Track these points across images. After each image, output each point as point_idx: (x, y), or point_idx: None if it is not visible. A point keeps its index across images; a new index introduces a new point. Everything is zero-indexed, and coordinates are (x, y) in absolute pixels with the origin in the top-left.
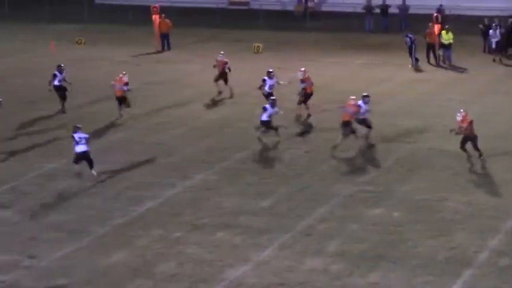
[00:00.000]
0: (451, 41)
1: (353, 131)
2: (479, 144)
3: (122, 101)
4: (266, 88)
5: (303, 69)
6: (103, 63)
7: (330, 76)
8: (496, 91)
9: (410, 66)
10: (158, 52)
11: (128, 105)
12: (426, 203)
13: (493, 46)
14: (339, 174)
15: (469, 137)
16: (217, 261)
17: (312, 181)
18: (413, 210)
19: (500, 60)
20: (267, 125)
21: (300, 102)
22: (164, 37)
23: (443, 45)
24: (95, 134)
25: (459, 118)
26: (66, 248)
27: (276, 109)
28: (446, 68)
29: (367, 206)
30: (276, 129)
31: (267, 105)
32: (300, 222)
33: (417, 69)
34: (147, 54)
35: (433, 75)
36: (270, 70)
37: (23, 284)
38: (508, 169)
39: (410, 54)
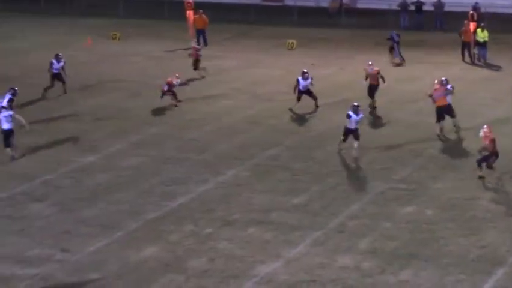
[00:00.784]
0: (486, 39)
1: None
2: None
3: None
4: (300, 88)
5: (370, 62)
6: (137, 59)
7: (363, 73)
8: None
9: (393, 63)
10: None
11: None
12: (459, 201)
13: None
14: (371, 171)
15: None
16: (248, 257)
17: (345, 179)
18: (445, 208)
19: None
20: (355, 133)
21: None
22: (200, 33)
23: (478, 43)
24: (129, 129)
25: (481, 135)
26: (98, 242)
27: (361, 115)
28: (481, 67)
29: (399, 204)
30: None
31: (350, 112)
32: (332, 220)
33: (398, 65)
34: (182, 49)
35: (468, 74)
36: (305, 71)
37: (56, 277)
38: None
39: (391, 51)
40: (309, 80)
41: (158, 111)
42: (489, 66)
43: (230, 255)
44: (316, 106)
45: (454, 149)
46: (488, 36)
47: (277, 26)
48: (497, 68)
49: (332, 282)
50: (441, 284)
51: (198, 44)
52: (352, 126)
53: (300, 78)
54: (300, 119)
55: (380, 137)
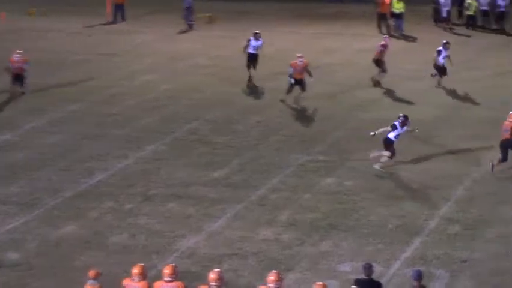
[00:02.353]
0: (402, 10)
1: None
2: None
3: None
4: (250, 50)
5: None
6: (54, 35)
7: (283, 46)
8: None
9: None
10: (111, 23)
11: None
12: (378, 172)
13: (444, 15)
14: (292, 144)
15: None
16: (169, 232)
17: (265, 151)
18: (365, 179)
19: (450, 29)
20: (390, 144)
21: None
22: (119, 8)
23: (394, 15)
24: (47, 106)
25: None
26: (16, 221)
27: (406, 128)
28: (398, 38)
29: (319, 176)
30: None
31: (397, 123)
32: (253, 193)
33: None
34: (100, 25)
35: None
36: (257, 32)
37: None
38: (459, 138)
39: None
40: (261, 42)
41: (77, 87)
42: (406, 37)
43: (151, 230)
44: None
45: (373, 120)
46: (404, 7)
47: (196, 0)
48: (413, 39)
49: (253, 255)
50: (361, 254)
51: (115, 19)
52: (392, 136)
53: (251, 39)
54: (221, 93)
55: (299, 109)
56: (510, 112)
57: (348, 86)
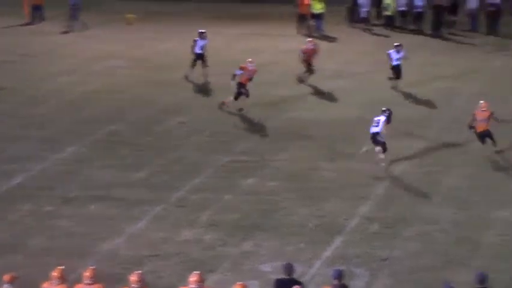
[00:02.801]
0: (322, 10)
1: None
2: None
3: None
4: (197, 49)
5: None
6: None
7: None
8: (365, 60)
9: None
10: (28, 24)
11: None
12: (300, 172)
13: (363, 15)
14: (214, 144)
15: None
16: (90, 234)
17: (187, 152)
18: (286, 179)
19: (369, 29)
20: (379, 138)
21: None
22: (37, 8)
23: (314, 15)
24: None
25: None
26: None
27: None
28: (317, 38)
29: (241, 176)
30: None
31: (383, 116)
32: (174, 194)
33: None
34: (18, 25)
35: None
36: (203, 30)
37: None
38: None
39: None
40: (207, 41)
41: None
42: (326, 38)
43: (71, 232)
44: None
45: (296, 120)
46: (324, 8)
47: (116, 1)
48: (333, 40)
49: (175, 256)
50: (282, 253)
51: (33, 19)
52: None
53: (198, 39)
54: (142, 94)
55: (219, 110)
56: (481, 102)
57: (272, 86)
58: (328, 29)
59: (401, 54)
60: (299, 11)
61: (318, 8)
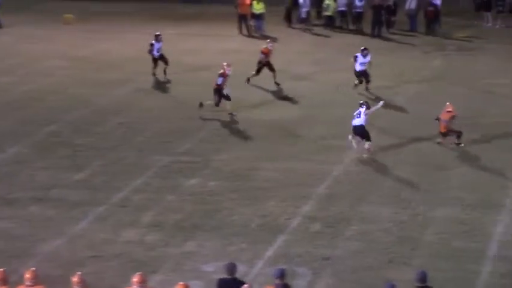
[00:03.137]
0: (262, 11)
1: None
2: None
3: None
4: (154, 52)
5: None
6: None
7: (144, 47)
8: (304, 60)
9: None
10: None
11: None
12: (241, 172)
13: (303, 16)
14: (155, 145)
15: None
16: (30, 235)
17: (127, 153)
18: (228, 179)
19: (309, 30)
20: (364, 130)
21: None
22: None
23: (254, 16)
24: None
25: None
26: None
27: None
28: (258, 38)
29: (183, 176)
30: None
31: (362, 109)
32: (115, 194)
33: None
34: None
35: (246, 46)
36: (158, 33)
37: None
38: (321, 136)
39: None
40: (162, 43)
41: None
42: (266, 38)
43: (11, 234)
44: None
45: (236, 120)
46: (264, 8)
47: (55, 1)
48: (274, 40)
49: (116, 257)
50: (225, 254)
51: None
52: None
53: (153, 42)
54: (80, 94)
55: (160, 110)
56: (447, 103)
57: (208, 86)
58: (268, 29)
59: (368, 59)
60: (240, 11)
61: (258, 8)
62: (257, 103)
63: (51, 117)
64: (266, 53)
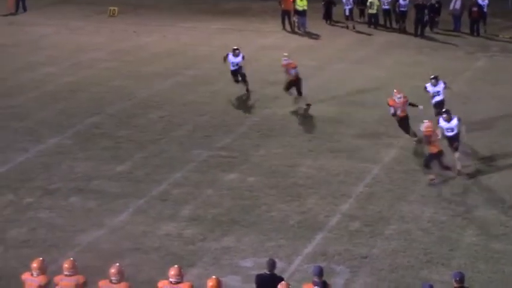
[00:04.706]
0: (305, 7)
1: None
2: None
3: None
4: (231, 66)
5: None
6: None
7: (186, 41)
8: (347, 58)
9: None
10: (12, 14)
11: None
12: (280, 168)
13: (347, 13)
14: (194, 139)
15: None
16: (70, 226)
17: (168, 146)
18: (267, 175)
19: (353, 27)
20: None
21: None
22: None
23: (297, 12)
24: None
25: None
26: None
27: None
28: (301, 35)
29: (222, 171)
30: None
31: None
32: (155, 187)
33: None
34: (1, 16)
35: (289, 42)
36: (236, 48)
37: None
38: (358, 136)
39: None
40: (241, 57)
41: None
42: (309, 34)
43: (51, 224)
44: None
45: (275, 116)
46: (307, 5)
47: None
48: (316, 37)
49: (155, 250)
50: (263, 249)
51: (17, 10)
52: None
53: (229, 54)
54: (123, 87)
55: (201, 104)
56: (395, 90)
57: (251, 82)
58: (311, 26)
59: (440, 86)
60: (283, 7)
61: (301, 4)
62: (294, 99)
63: (93, 109)
64: (290, 67)
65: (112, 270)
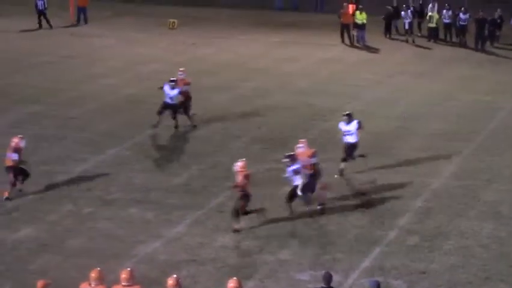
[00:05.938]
0: (365, 21)
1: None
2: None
3: None
4: (166, 99)
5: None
6: (15, 35)
7: (244, 53)
8: (406, 72)
9: None
10: (73, 25)
11: None
12: (336, 181)
13: (406, 27)
14: (252, 151)
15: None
16: (128, 236)
17: (225, 158)
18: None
19: (413, 41)
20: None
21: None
22: (81, 10)
23: (356, 25)
24: (6, 107)
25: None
26: None
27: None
28: (359, 48)
29: (279, 184)
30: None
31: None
32: (212, 199)
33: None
34: (63, 27)
35: (347, 55)
36: (173, 79)
37: None
38: (415, 149)
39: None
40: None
41: (36, 89)
42: (368, 48)
43: (110, 234)
44: None
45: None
46: (367, 19)
47: (158, 5)
48: (375, 50)
49: (211, 262)
50: (320, 263)
51: (78, 22)
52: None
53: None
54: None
55: (258, 117)
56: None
57: (309, 94)
58: (370, 40)
59: (352, 124)
60: (343, 20)
61: (361, 18)
62: (354, 113)
63: (151, 120)
64: (183, 83)
65: (170, 282)
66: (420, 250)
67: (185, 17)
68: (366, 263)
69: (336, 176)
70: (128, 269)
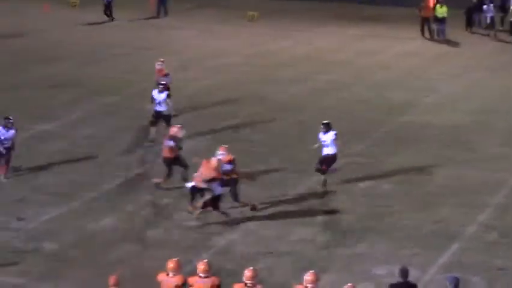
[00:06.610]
0: (445, 14)
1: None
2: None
3: None
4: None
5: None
6: (95, 27)
7: (322, 46)
8: (484, 66)
9: None
10: (154, 17)
11: None
12: (413, 176)
13: (488, 21)
14: None
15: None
16: (205, 228)
17: (301, 151)
18: (400, 183)
19: (494, 35)
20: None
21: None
22: (162, 2)
23: (437, 19)
24: (84, 98)
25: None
26: (54, 211)
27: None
28: (439, 42)
29: (356, 178)
30: None
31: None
32: (289, 192)
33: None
34: (144, 19)
35: (426, 49)
36: (162, 82)
37: (12, 246)
38: (494, 144)
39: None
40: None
41: (114, 80)
42: (448, 42)
43: (187, 226)
44: None
45: (410, 124)
46: (447, 12)
47: None
48: (455, 44)
49: (287, 255)
50: (397, 257)
51: (159, 14)
52: None
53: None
54: (258, 90)
55: (335, 110)
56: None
57: (386, 88)
58: (450, 34)
59: (329, 134)
60: (423, 14)
61: (441, 11)
62: (429, 107)
63: (229, 112)
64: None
65: (248, 274)
66: (499, 246)
67: (265, 9)
68: (444, 258)
69: (319, 187)
70: (206, 260)
